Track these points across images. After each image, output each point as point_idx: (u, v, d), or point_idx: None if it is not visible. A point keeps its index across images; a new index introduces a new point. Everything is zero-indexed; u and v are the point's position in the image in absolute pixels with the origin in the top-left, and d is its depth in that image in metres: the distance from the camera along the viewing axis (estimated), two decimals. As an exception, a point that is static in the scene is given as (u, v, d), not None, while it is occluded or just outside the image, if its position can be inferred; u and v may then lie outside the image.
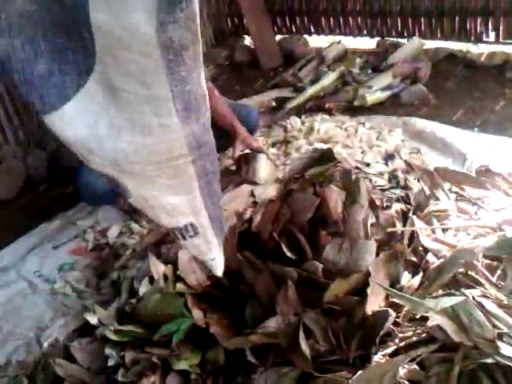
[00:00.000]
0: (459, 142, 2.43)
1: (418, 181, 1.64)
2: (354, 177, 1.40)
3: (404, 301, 1.10)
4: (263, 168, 2.08)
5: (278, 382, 1.28)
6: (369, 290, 1.25)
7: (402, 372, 1.17)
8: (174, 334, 1.34)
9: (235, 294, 1.48)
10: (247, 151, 2.26)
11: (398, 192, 1.46)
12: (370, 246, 1.31)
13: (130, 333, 1.41)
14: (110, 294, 1.96)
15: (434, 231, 1.34)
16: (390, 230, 1.32)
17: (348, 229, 1.35)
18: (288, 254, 1.37)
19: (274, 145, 2.60)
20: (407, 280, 1.32)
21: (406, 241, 1.33)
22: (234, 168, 2.23)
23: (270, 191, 1.77)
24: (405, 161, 1.62)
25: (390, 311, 1.20)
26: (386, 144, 2.37)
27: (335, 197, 1.38)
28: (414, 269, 1.37)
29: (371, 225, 1.35)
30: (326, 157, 1.51)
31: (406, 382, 1.17)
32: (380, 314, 1.22)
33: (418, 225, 1.32)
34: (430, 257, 1.36)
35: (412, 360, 1.18)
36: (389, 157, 2.16)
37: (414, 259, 1.38)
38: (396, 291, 1.14)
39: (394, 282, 1.32)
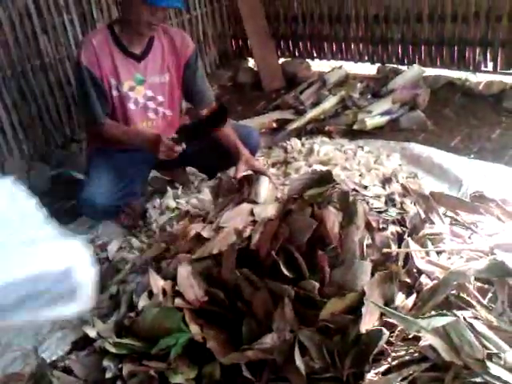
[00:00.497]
0: (456, 168, 2.48)
1: (415, 204, 1.68)
2: (351, 198, 1.44)
3: (397, 319, 1.13)
4: (264, 189, 2.12)
5: (273, 399, 1.31)
6: (363, 309, 1.28)
7: (394, 390, 1.20)
8: (171, 347, 1.37)
9: (232, 310, 1.51)
10: (249, 172, 2.31)
11: (394, 214, 1.50)
12: (365, 267, 1.34)
13: (128, 346, 1.44)
14: (108, 307, 1.98)
15: (428, 254, 1.38)
16: (385, 250, 1.36)
17: (344, 249, 1.38)
18: (285, 272, 1.40)
19: (274, 165, 2.64)
20: (401, 300, 1.35)
21: (400, 262, 1.36)
22: (235, 186, 2.27)
23: (269, 210, 1.81)
24: (401, 184, 1.66)
25: (384, 330, 1.23)
26: (383, 168, 2.42)
27: (332, 218, 1.42)
28: (408, 290, 1.40)
29: (367, 246, 1.38)
30: (324, 178, 1.55)
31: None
32: (374, 332, 1.25)
33: (412, 247, 1.36)
34: (423, 278, 1.39)
35: (404, 379, 1.21)
36: (386, 180, 2.20)
37: (408, 280, 1.41)
38: (390, 310, 1.17)
39: (389, 302, 1.36)
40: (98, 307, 2.02)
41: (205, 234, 1.77)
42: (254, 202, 1.90)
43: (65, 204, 2.83)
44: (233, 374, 1.39)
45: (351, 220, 1.41)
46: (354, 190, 1.50)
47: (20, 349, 1.91)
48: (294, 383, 1.29)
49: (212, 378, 1.38)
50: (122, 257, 2.20)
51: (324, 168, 2.27)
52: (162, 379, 1.37)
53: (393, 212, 1.51)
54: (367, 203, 1.48)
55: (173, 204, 2.38)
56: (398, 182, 2.21)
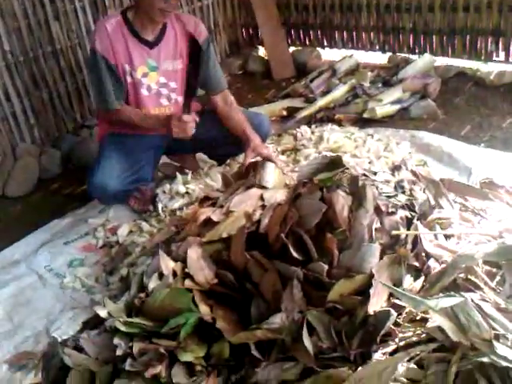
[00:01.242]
0: (465, 157, 2.48)
1: (424, 192, 1.69)
2: (360, 183, 1.45)
3: (405, 299, 1.14)
4: (272, 175, 2.13)
5: (280, 376, 1.32)
6: (371, 291, 1.29)
7: (400, 370, 1.21)
8: (181, 327, 1.39)
9: (242, 291, 1.53)
10: (258, 159, 2.32)
11: (404, 200, 1.51)
12: (374, 249, 1.35)
13: (138, 325, 1.46)
14: (118, 289, 2.02)
15: (436, 237, 1.39)
16: (394, 232, 1.37)
17: (353, 232, 1.39)
18: (294, 254, 1.41)
19: (283, 152, 2.65)
20: (409, 283, 1.36)
21: (409, 246, 1.37)
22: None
23: (279, 195, 1.82)
24: (411, 170, 1.66)
25: (392, 311, 1.24)
26: (393, 155, 2.42)
27: (342, 201, 1.43)
28: (416, 273, 1.41)
29: (376, 229, 1.39)
30: (334, 163, 1.56)
31: (404, 380, 1.22)
32: (382, 313, 1.26)
33: (421, 230, 1.37)
34: (431, 262, 1.40)
35: (411, 359, 1.22)
36: (395, 168, 2.20)
37: (417, 264, 1.42)
38: (398, 289, 1.18)
39: (397, 285, 1.36)
40: (108, 289, 2.06)
41: (215, 217, 1.78)
42: (264, 188, 1.91)
43: (76, 189, 2.87)
44: (241, 353, 1.41)
45: (360, 204, 1.42)
46: (364, 174, 1.51)
47: (32, 328, 1.95)
48: (302, 363, 1.30)
49: (221, 356, 1.40)
50: (133, 240, 2.23)
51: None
52: (172, 357, 1.39)
53: (402, 197, 1.52)
54: (376, 188, 1.49)
55: (182, 189, 2.40)
56: (407, 169, 2.22)
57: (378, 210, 1.43)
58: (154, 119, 2.35)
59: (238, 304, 1.53)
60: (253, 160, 2.31)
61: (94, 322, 1.76)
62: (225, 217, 1.78)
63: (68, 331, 1.87)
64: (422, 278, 1.37)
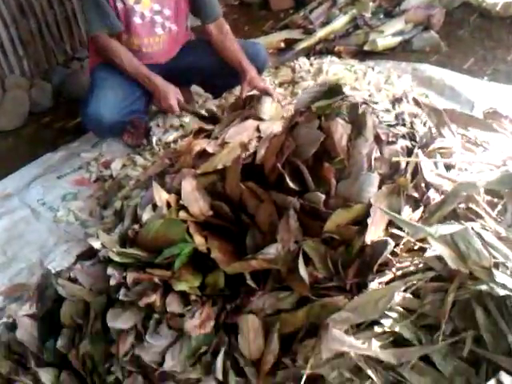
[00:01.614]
0: (468, 90, 2.41)
1: (424, 125, 1.63)
2: (360, 110, 1.40)
3: (405, 225, 1.11)
4: (269, 108, 2.07)
5: (276, 305, 1.32)
6: (369, 220, 1.26)
7: (396, 299, 1.20)
8: (175, 257, 1.37)
9: (237, 223, 1.50)
10: (255, 92, 2.25)
11: (404, 130, 1.45)
12: (372, 179, 1.31)
13: (132, 255, 1.44)
14: (113, 222, 2.00)
15: (437, 167, 1.34)
16: (394, 159, 1.32)
17: (352, 161, 1.35)
18: (291, 184, 1.38)
19: (281, 85, 2.58)
20: (408, 214, 1.33)
21: (408, 175, 1.33)
22: (240, 105, 2.22)
23: (275, 127, 1.77)
24: (413, 98, 1.60)
25: (389, 240, 1.22)
26: (394, 88, 2.36)
27: (340, 130, 1.37)
28: (415, 203, 1.38)
29: (375, 159, 1.35)
30: (333, 91, 1.49)
31: (400, 309, 1.21)
32: (379, 243, 1.24)
33: (422, 159, 1.32)
34: (431, 193, 1.37)
35: (407, 289, 1.21)
36: (396, 100, 2.13)
37: (416, 195, 1.38)
38: (397, 215, 1.16)
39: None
40: (102, 223, 2.04)
41: (210, 149, 1.74)
42: (260, 119, 1.85)
43: (68, 122, 2.80)
44: (236, 284, 1.40)
45: (360, 132, 1.37)
46: (364, 102, 1.45)
47: (26, 260, 1.94)
48: (298, 292, 1.29)
49: (216, 286, 1.39)
50: (126, 174, 2.19)
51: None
52: (166, 287, 1.37)
53: (403, 127, 1.47)
54: (377, 116, 1.44)
55: (177, 122, 2.34)
56: (408, 102, 2.15)
57: (377, 138, 1.38)
58: (142, 76, 2.27)
59: (233, 236, 1.50)
60: (249, 93, 2.25)
61: (88, 255, 1.75)
62: (220, 148, 1.73)
63: (62, 263, 1.86)
64: (421, 208, 1.34)
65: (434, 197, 1.36)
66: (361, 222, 1.31)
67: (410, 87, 2.41)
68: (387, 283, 1.23)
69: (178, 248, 1.38)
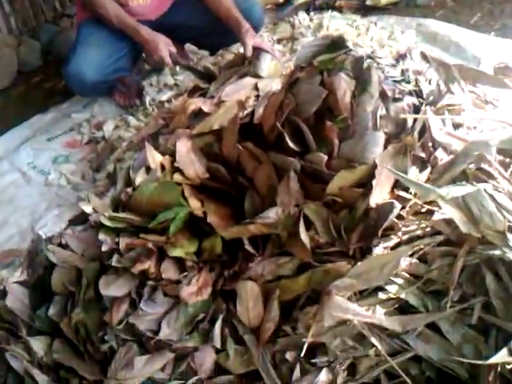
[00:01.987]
0: (474, 46, 2.31)
1: (429, 83, 1.55)
2: (365, 65, 1.31)
3: (413, 186, 1.05)
4: (267, 65, 1.97)
5: (275, 272, 1.26)
6: (374, 182, 1.19)
7: (403, 265, 1.14)
8: (170, 221, 1.30)
9: (234, 186, 1.43)
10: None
11: (411, 86, 1.37)
12: (378, 138, 1.24)
13: (125, 220, 1.37)
14: (105, 186, 1.93)
15: (445, 125, 1.27)
16: (402, 116, 1.24)
17: (356, 120, 1.27)
18: (291, 144, 1.30)
19: (279, 41, 2.47)
20: (415, 175, 1.27)
21: (416, 134, 1.26)
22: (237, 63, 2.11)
23: (274, 84, 1.69)
24: (421, 52, 1.51)
25: (395, 203, 1.15)
26: (397, 44, 2.25)
27: (344, 86, 1.29)
28: (422, 164, 1.31)
29: (381, 117, 1.27)
30: (336, 44, 1.40)
31: (406, 274, 1.15)
32: (384, 206, 1.18)
33: (430, 116, 1.25)
34: (439, 153, 1.30)
35: (413, 254, 1.15)
36: (400, 57, 2.04)
37: (423, 155, 1.31)
38: (405, 176, 1.09)
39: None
40: (95, 186, 1.97)
41: (205, 108, 1.65)
42: (258, 77, 1.76)
43: (58, 82, 2.69)
44: (234, 249, 1.34)
45: (364, 88, 1.29)
46: (369, 57, 1.36)
47: (17, 226, 1.88)
48: (298, 257, 1.23)
49: (213, 252, 1.33)
50: (119, 135, 2.11)
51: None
52: (161, 253, 1.32)
53: (409, 84, 1.38)
54: (382, 72, 1.35)
55: (171, 81, 2.25)
56: (412, 59, 2.06)
57: (383, 95, 1.30)
58: (129, 27, 2.14)
59: (230, 199, 1.44)
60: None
61: (80, 220, 1.68)
62: (216, 107, 1.65)
63: (54, 229, 1.80)
64: (429, 169, 1.27)
65: (442, 157, 1.29)
66: (365, 184, 1.25)
67: (414, 43, 2.30)
68: (393, 248, 1.17)
69: (172, 212, 1.32)
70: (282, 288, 1.23)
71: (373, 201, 1.19)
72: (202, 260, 1.34)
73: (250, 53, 2.01)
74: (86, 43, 2.14)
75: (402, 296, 1.14)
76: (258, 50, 2.06)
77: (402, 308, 1.15)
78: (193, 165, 1.50)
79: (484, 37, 2.39)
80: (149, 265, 1.28)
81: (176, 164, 1.50)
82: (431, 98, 1.36)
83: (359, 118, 1.27)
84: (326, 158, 1.25)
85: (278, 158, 1.32)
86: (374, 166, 1.21)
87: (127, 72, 2.25)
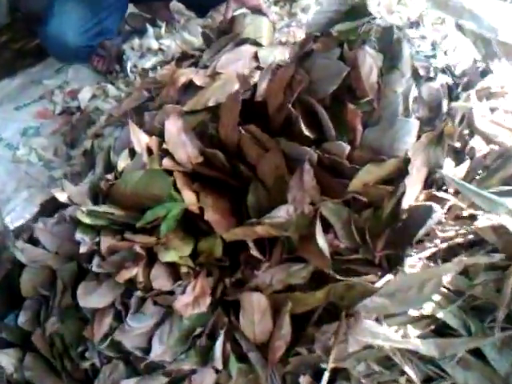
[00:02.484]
0: (490, 14, 2.10)
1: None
2: (395, 36, 1.10)
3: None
4: (264, 30, 1.73)
5: (286, 280, 1.08)
6: (407, 180, 1.01)
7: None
8: (161, 219, 1.10)
9: (234, 175, 1.23)
10: (244, 10, 1.89)
11: (444, 61, 1.17)
12: (411, 126, 1.04)
13: (106, 215, 1.16)
14: (82, 165, 1.71)
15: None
16: (454, 105, 1.05)
17: (384, 103, 1.07)
18: (305, 130, 1.10)
19: (276, 3, 2.22)
20: (451, 169, 1.08)
21: (456, 121, 1.07)
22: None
23: (278, 54, 1.47)
24: (456, 23, 1.30)
25: (435, 206, 0.97)
26: (407, 10, 2.03)
27: (369, 61, 1.08)
28: (456, 156, 1.12)
29: (413, 99, 1.07)
30: (357, 10, 1.18)
31: (444, 289, 0.98)
32: (420, 209, 0.99)
33: (473, 101, 1.06)
34: (476, 142, 1.11)
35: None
36: (412, 24, 1.83)
37: (457, 144, 1.13)
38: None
39: (433, 171, 1.08)
40: (69, 164, 1.75)
41: (198, 81, 1.43)
42: (258, 44, 1.53)
43: (28, 43, 2.40)
44: (236, 251, 1.15)
45: (394, 65, 1.08)
46: (397, 27, 1.15)
47: (-19, 210, 1.65)
48: (315, 265, 1.05)
49: (211, 254, 1.14)
50: (97, 106, 1.87)
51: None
52: (150, 257, 1.12)
53: (441, 59, 1.18)
54: (412, 44, 1.14)
55: (155, 45, 2.00)
56: (424, 27, 1.85)
57: (415, 73, 1.10)
58: None
59: (229, 190, 1.24)
60: (238, 12, 1.89)
61: (53, 206, 1.46)
62: (210, 80, 1.42)
63: (23, 214, 1.59)
64: (468, 162, 1.09)
65: (480, 147, 1.11)
66: (392, 180, 1.06)
67: (425, 10, 2.09)
68: (428, 258, 0.99)
69: (164, 209, 1.11)
70: (294, 300, 1.05)
71: (406, 202, 1.00)
72: (199, 263, 1.15)
73: (229, 14, 1.77)
74: (65, 5, 1.88)
75: (440, 316, 0.97)
76: (253, 12, 1.82)
77: (438, 329, 0.98)
78: (184, 147, 1.29)
79: (501, 4, 2.18)
80: (136, 272, 1.08)
81: (165, 146, 1.29)
82: (470, 74, 1.17)
83: (387, 100, 1.07)
84: (348, 148, 1.06)
85: (289, 146, 1.12)
86: (407, 160, 1.02)
87: (109, 35, 2.00)
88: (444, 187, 1.08)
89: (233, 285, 1.12)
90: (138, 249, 1.08)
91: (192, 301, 1.09)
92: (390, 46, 1.10)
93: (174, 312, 1.09)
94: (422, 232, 0.97)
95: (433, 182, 1.09)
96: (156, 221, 1.11)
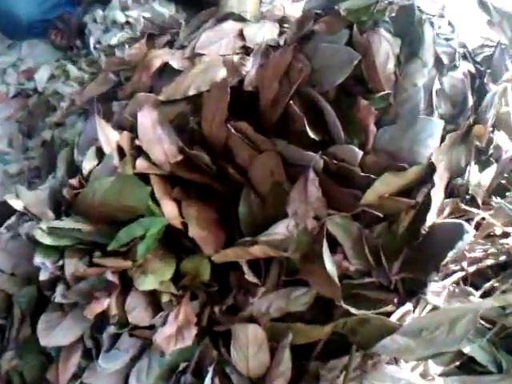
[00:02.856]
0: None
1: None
2: (416, 18, 0.93)
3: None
4: (248, 3, 1.53)
5: (285, 308, 0.92)
6: (433, 192, 0.85)
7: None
8: (138, 240, 0.92)
9: (221, 179, 1.05)
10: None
11: (464, 48, 1.00)
12: (434, 126, 0.88)
13: (71, 232, 0.97)
14: (40, 159, 1.50)
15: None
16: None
17: (402, 98, 0.90)
18: (310, 133, 0.92)
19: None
20: (475, 174, 0.93)
21: (489, 120, 0.91)
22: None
23: (267, 32, 1.27)
24: (479, 1, 1.13)
25: (467, 226, 0.81)
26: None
27: (385, 48, 0.91)
28: (479, 157, 0.97)
29: (436, 93, 0.91)
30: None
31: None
32: (448, 227, 0.84)
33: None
34: (502, 141, 0.96)
35: (485, 293, 0.84)
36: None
37: (477, 143, 0.97)
38: (500, 200, 0.76)
39: (455, 175, 0.93)
40: (26, 157, 1.54)
41: (175, 63, 1.23)
42: (243, 20, 1.34)
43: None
44: (225, 270, 0.99)
45: (415, 53, 0.91)
46: (417, 7, 0.97)
47: None
48: (320, 291, 0.89)
49: (197, 277, 0.97)
50: (56, 90, 1.64)
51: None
52: (125, 282, 0.94)
53: (459, 42, 1.01)
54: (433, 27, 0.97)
55: (121, 17, 1.76)
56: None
57: (437, 62, 0.93)
58: None
59: (216, 198, 1.06)
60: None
61: (8, 210, 1.26)
62: (190, 63, 1.23)
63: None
64: (494, 166, 0.93)
65: (508, 148, 0.96)
66: (408, 190, 0.90)
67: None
68: (456, 284, 0.85)
69: (140, 227, 0.93)
70: (295, 331, 0.90)
71: (430, 218, 0.85)
72: (182, 286, 0.98)
73: None
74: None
75: (466, 350, 0.83)
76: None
77: (465, 365, 0.85)
78: (161, 144, 1.10)
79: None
80: (108, 303, 0.90)
81: (138, 143, 1.10)
82: (494, 60, 1.00)
83: (406, 95, 0.90)
84: (360, 153, 0.89)
85: (288, 149, 0.95)
86: (432, 168, 0.86)
87: (67, 7, 1.77)
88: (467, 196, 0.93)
89: (223, 312, 0.95)
90: (109, 276, 0.90)
91: (175, 332, 0.93)
92: (409, 28, 0.92)
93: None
94: (449, 255, 0.81)
95: (453, 188, 0.94)
96: (132, 241, 0.93)
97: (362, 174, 0.88)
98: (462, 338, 0.76)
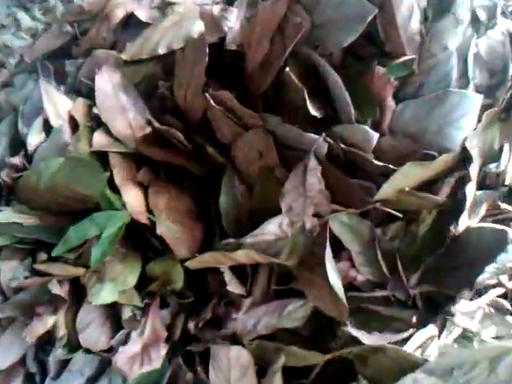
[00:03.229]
0: None
1: None
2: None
3: None
4: None
5: (277, 324, 0.75)
6: (468, 189, 0.67)
7: None
8: (92, 245, 0.73)
9: (198, 159, 0.86)
10: None
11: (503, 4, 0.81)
12: (471, 102, 0.69)
13: (9, 228, 0.78)
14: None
15: None
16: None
17: (428, 64, 0.71)
18: (309, 106, 0.72)
19: None
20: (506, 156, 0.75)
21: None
22: None
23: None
24: None
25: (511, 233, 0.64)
26: None
27: (408, 1, 0.71)
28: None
29: (473, 59, 0.72)
30: None
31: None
32: (488, 233, 0.66)
33: None
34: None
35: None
36: None
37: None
38: None
39: (487, 159, 0.75)
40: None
41: (142, 14, 1.01)
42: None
43: None
44: (201, 275, 0.81)
45: (446, 8, 0.71)
46: None
47: None
48: (321, 307, 0.72)
49: (167, 283, 0.79)
50: (4, 43, 1.40)
51: None
52: (77, 291, 0.76)
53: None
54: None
55: (82, -43, 1.51)
56: None
57: (474, 19, 0.73)
58: None
59: (190, 182, 0.87)
60: None
61: None
62: (159, 14, 1.01)
63: None
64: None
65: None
66: (432, 183, 0.72)
67: None
68: (493, 306, 0.68)
69: (95, 225, 0.73)
70: (288, 354, 0.73)
71: (463, 221, 0.67)
72: (148, 292, 0.80)
73: None
74: None
75: None
76: None
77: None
78: (124, 114, 0.90)
79: None
80: (54, 322, 0.72)
81: (95, 111, 0.89)
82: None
83: (435, 61, 0.71)
84: (376, 136, 0.70)
85: (283, 128, 0.75)
86: (468, 156, 0.68)
87: None
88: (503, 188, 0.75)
89: (200, 329, 0.78)
90: (55, 287, 0.71)
91: (140, 352, 0.75)
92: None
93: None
94: (490, 270, 0.64)
95: (484, 177, 0.76)
96: (85, 243, 0.74)
97: (377, 162, 0.69)
98: (508, 382, 0.59)
